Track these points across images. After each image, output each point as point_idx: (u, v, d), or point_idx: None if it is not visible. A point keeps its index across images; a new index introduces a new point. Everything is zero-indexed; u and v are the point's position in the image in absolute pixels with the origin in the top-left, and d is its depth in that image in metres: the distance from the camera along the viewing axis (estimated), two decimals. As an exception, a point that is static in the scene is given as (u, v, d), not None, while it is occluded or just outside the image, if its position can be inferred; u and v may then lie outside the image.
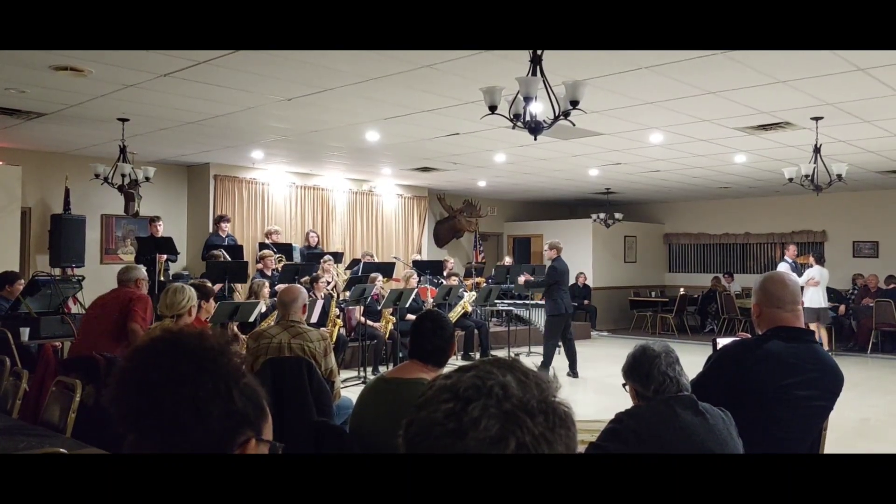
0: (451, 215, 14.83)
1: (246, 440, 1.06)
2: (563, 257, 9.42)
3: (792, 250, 11.73)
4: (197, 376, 1.04)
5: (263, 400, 1.11)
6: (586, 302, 14.78)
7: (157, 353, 1.07)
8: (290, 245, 11.21)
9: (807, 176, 7.91)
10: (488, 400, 0.87)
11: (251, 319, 7.37)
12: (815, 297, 10.79)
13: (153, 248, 9.47)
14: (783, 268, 11.25)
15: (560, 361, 9.26)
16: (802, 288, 11.01)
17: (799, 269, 11.42)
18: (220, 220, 10.70)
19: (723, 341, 2.96)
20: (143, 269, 5.83)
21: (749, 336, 3.07)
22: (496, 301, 11.67)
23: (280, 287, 7.65)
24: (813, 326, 10.77)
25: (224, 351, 1.09)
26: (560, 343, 9.36)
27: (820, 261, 11.12)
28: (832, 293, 11.61)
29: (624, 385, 2.42)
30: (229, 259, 9.48)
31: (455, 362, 1.55)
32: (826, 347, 10.61)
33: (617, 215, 14.61)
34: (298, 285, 5.21)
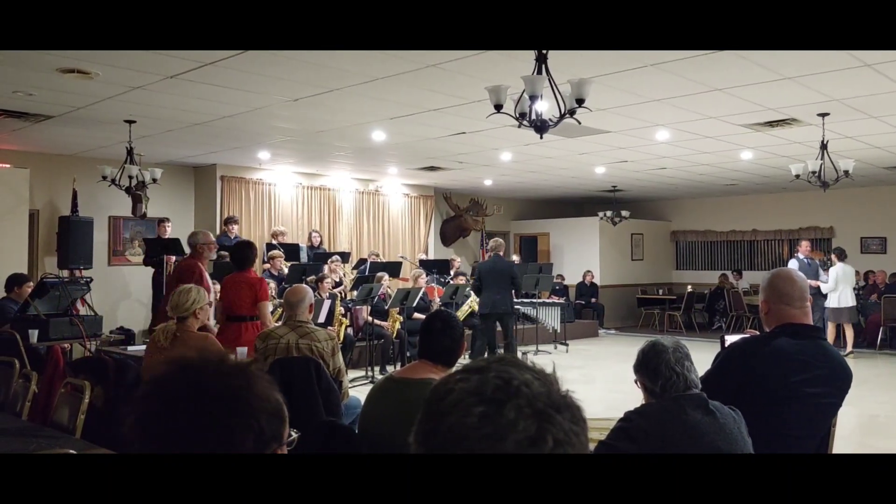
0: (457, 214, 14.82)
1: (272, 450, 1.09)
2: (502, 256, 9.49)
3: (805, 247, 11.61)
4: (229, 421, 1.04)
5: (284, 408, 1.12)
6: (594, 300, 14.77)
7: (184, 398, 1.04)
8: (296, 245, 11.22)
9: (814, 172, 7.88)
10: (519, 400, 0.87)
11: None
12: (842, 297, 10.68)
13: (161, 249, 9.50)
14: (793, 265, 11.16)
15: (567, 360, 9.24)
16: (822, 292, 10.93)
17: (812, 266, 11.30)
18: (228, 221, 10.73)
19: (731, 338, 2.95)
20: (208, 234, 6.01)
21: (757, 333, 3.06)
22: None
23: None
24: (832, 327, 10.69)
25: (249, 383, 1.08)
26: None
27: (842, 257, 10.94)
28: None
29: (636, 380, 2.43)
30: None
31: (463, 362, 1.55)
32: (849, 347, 10.60)
33: (623, 213, 14.58)
34: (305, 285, 5.22)
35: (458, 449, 0.86)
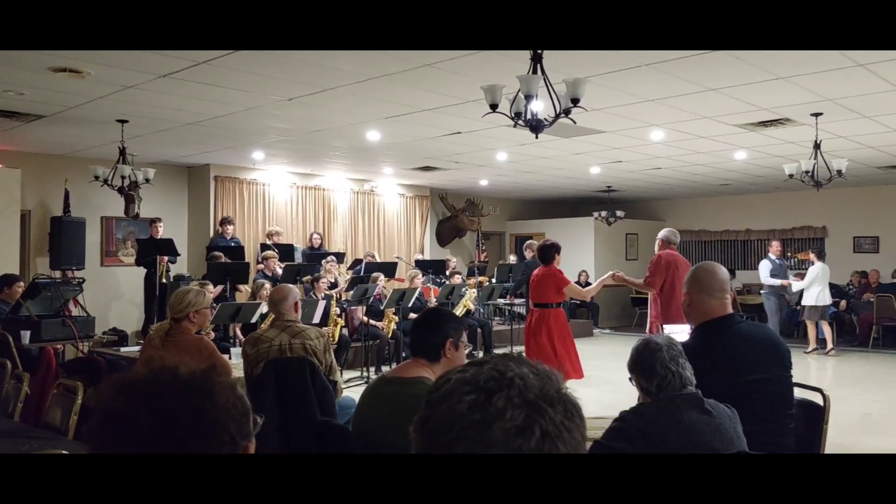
0: (453, 214, 14.82)
1: (244, 447, 1.10)
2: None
3: (775, 247, 11.70)
4: (206, 440, 1.03)
5: (247, 401, 1.12)
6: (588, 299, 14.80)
7: (145, 428, 1.01)
8: (291, 246, 11.19)
9: (807, 172, 7.90)
10: (510, 391, 0.89)
11: (253, 320, 7.36)
12: (820, 295, 10.76)
13: (154, 249, 9.47)
14: (764, 266, 11.29)
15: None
16: (793, 290, 11.09)
17: (783, 266, 11.43)
18: (224, 222, 10.69)
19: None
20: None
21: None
22: (499, 299, 11.68)
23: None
24: (811, 326, 10.83)
25: (211, 394, 1.06)
26: None
27: (821, 257, 11.11)
28: (833, 289, 11.60)
29: (630, 379, 2.43)
30: (229, 260, 9.47)
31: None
32: (829, 345, 10.67)
33: (618, 213, 14.60)
34: (288, 284, 5.20)
35: (449, 435, 0.88)
